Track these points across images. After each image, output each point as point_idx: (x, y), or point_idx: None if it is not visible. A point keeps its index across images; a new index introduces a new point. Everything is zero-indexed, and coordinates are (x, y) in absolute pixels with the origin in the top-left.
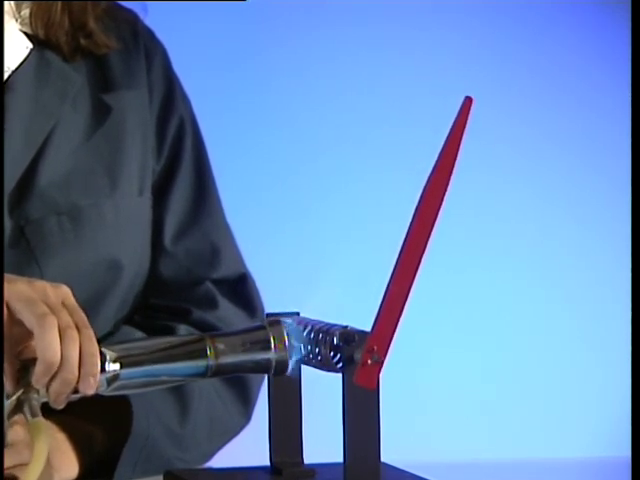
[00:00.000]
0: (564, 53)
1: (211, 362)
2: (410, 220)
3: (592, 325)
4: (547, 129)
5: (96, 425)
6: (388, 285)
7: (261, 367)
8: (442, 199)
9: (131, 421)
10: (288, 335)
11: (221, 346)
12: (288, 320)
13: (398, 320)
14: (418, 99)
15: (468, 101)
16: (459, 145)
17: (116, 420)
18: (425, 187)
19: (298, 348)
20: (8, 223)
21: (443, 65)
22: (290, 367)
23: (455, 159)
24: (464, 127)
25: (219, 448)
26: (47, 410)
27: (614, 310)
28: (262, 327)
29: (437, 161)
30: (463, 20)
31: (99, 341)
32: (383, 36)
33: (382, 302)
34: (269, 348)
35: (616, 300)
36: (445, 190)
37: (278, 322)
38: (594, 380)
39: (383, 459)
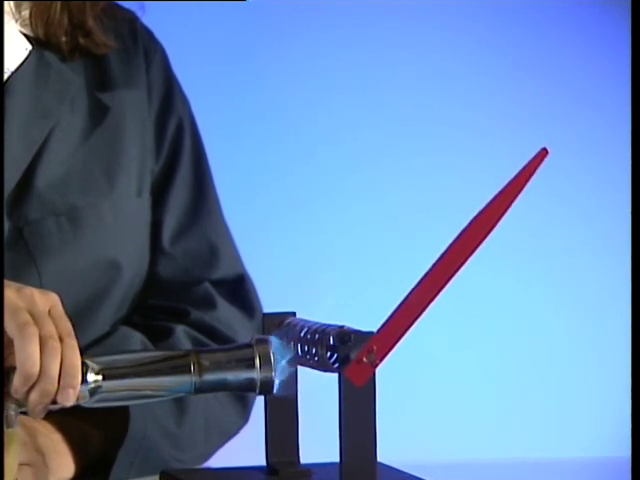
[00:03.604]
0: (563, 53)
1: (195, 378)
2: (453, 240)
3: (592, 325)
4: (546, 129)
5: (92, 425)
6: (410, 293)
7: (245, 386)
8: (488, 234)
9: (128, 421)
10: (275, 354)
11: (206, 362)
12: (275, 339)
13: (407, 329)
14: (416, 99)
15: (543, 152)
16: (521, 189)
17: (113, 420)
18: (475, 219)
19: (284, 368)
20: (6, 224)
21: (442, 65)
22: (275, 388)
23: (514, 198)
24: (531, 175)
25: (216, 449)
26: None
27: (614, 310)
28: (248, 345)
29: (495, 197)
30: (461, 20)
31: (82, 351)
32: (381, 36)
33: (398, 307)
34: (253, 367)
35: (616, 300)
36: (493, 228)
37: (265, 341)
38: (594, 380)
39: (379, 459)
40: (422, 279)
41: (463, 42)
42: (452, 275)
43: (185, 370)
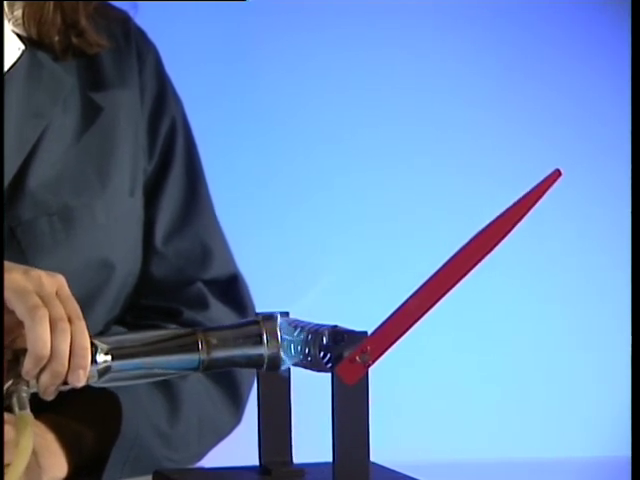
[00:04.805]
0: (563, 53)
1: (203, 356)
2: (457, 250)
3: (592, 325)
4: (545, 131)
5: (85, 425)
6: (410, 297)
7: (253, 362)
8: (493, 249)
9: (120, 421)
10: (281, 331)
11: (213, 340)
12: (280, 316)
13: (403, 333)
14: (412, 99)
15: (557, 173)
16: (530, 208)
17: (105, 420)
18: (480, 233)
19: (290, 344)
20: None
21: (440, 65)
22: (284, 364)
23: (523, 216)
24: (542, 195)
25: (209, 448)
26: (37, 409)
27: (614, 310)
28: (255, 322)
29: (504, 213)
30: (460, 20)
31: (90, 332)
32: (379, 36)
33: (396, 310)
34: (261, 343)
35: (616, 300)
36: (498, 244)
37: (271, 317)
38: (594, 380)
39: (372, 459)
40: (423, 285)
41: (461, 42)
42: (453, 285)
43: (193, 348)
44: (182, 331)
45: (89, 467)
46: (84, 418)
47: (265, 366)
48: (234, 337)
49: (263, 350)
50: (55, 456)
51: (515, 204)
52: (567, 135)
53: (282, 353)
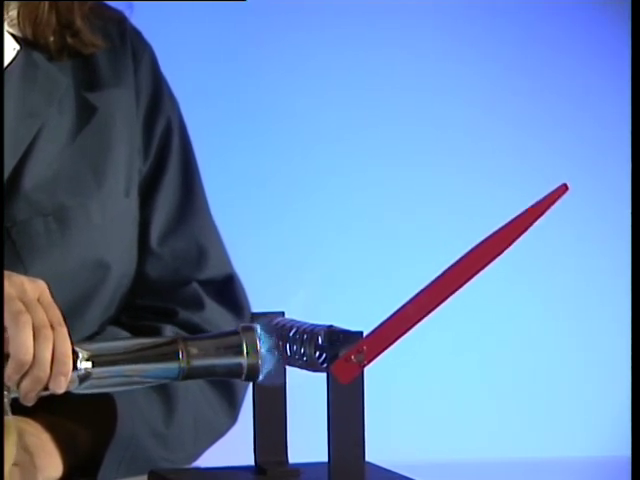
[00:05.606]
0: (563, 54)
1: (183, 365)
2: (458, 258)
3: (592, 325)
4: (544, 131)
5: (81, 425)
6: (408, 301)
7: (233, 372)
8: (494, 259)
9: (116, 421)
10: (261, 342)
11: (194, 350)
12: (259, 327)
13: (400, 336)
14: (412, 99)
15: (563, 188)
16: (534, 221)
17: (101, 420)
18: (483, 243)
19: (270, 355)
20: None
21: (440, 66)
22: (262, 375)
23: (526, 229)
24: (547, 209)
25: (205, 448)
26: (32, 410)
27: (614, 310)
28: (235, 332)
29: (506, 225)
30: (460, 20)
31: (72, 339)
32: (378, 36)
33: (395, 313)
34: (241, 353)
35: (616, 301)
36: (499, 254)
37: (251, 328)
38: (594, 380)
39: (368, 459)
40: (422, 290)
41: (461, 42)
42: (453, 292)
43: (173, 357)
44: (163, 340)
45: (84, 467)
46: (79, 418)
47: (244, 376)
48: (214, 347)
49: (242, 360)
50: (50, 456)
51: (519, 216)
52: (566, 136)
53: (261, 363)
